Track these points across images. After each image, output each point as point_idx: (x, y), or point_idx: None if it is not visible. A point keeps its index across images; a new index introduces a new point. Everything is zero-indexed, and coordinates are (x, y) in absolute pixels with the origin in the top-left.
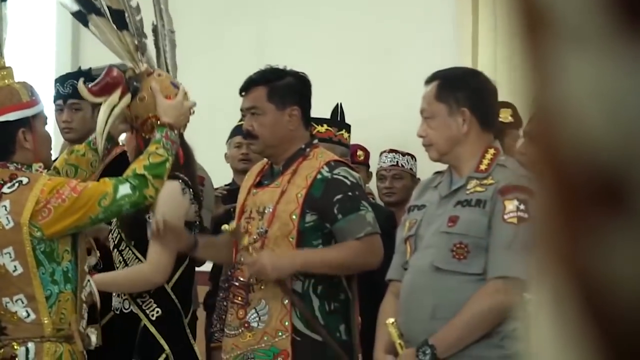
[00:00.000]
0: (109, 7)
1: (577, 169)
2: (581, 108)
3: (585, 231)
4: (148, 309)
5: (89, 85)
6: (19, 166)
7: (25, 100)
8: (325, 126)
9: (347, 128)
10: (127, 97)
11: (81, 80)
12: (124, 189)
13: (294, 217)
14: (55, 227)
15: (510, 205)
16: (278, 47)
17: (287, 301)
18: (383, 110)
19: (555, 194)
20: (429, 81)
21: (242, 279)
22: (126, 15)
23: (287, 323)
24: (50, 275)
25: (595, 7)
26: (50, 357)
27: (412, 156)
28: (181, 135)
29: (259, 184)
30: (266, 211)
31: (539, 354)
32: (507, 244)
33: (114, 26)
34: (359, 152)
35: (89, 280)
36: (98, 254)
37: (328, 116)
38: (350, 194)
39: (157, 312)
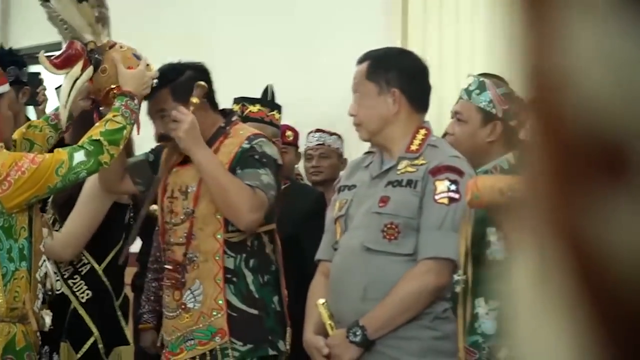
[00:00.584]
0: None
1: (579, 135)
2: (585, 75)
3: (584, 198)
4: (78, 290)
5: (52, 58)
6: None
7: None
8: (257, 106)
9: (279, 109)
10: (89, 70)
11: (42, 51)
12: (79, 156)
13: None
14: (16, 199)
15: (441, 185)
16: (208, 30)
17: (220, 279)
18: (312, 92)
19: (554, 159)
20: (360, 61)
21: (172, 261)
22: None
23: (221, 301)
24: (8, 252)
25: None
26: (4, 339)
27: (339, 136)
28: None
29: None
30: (189, 190)
31: (521, 322)
32: (438, 225)
33: None
34: (288, 133)
35: (44, 261)
36: (53, 235)
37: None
38: (257, 157)
39: (88, 294)
